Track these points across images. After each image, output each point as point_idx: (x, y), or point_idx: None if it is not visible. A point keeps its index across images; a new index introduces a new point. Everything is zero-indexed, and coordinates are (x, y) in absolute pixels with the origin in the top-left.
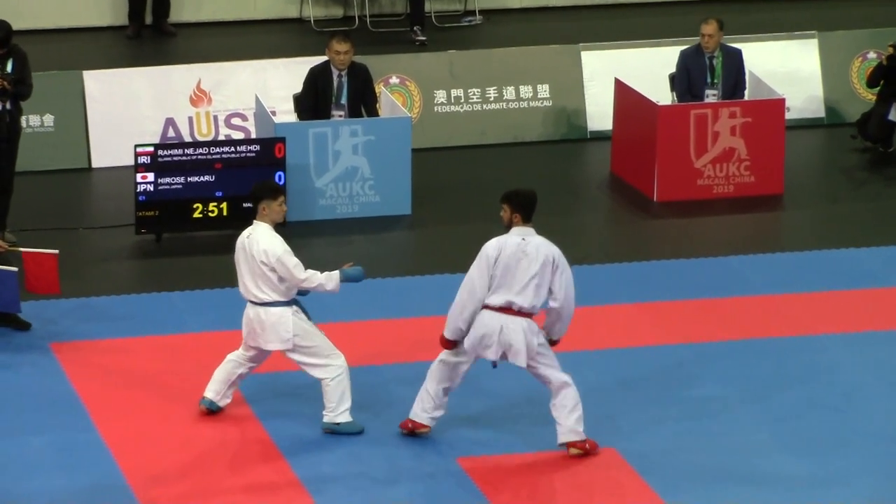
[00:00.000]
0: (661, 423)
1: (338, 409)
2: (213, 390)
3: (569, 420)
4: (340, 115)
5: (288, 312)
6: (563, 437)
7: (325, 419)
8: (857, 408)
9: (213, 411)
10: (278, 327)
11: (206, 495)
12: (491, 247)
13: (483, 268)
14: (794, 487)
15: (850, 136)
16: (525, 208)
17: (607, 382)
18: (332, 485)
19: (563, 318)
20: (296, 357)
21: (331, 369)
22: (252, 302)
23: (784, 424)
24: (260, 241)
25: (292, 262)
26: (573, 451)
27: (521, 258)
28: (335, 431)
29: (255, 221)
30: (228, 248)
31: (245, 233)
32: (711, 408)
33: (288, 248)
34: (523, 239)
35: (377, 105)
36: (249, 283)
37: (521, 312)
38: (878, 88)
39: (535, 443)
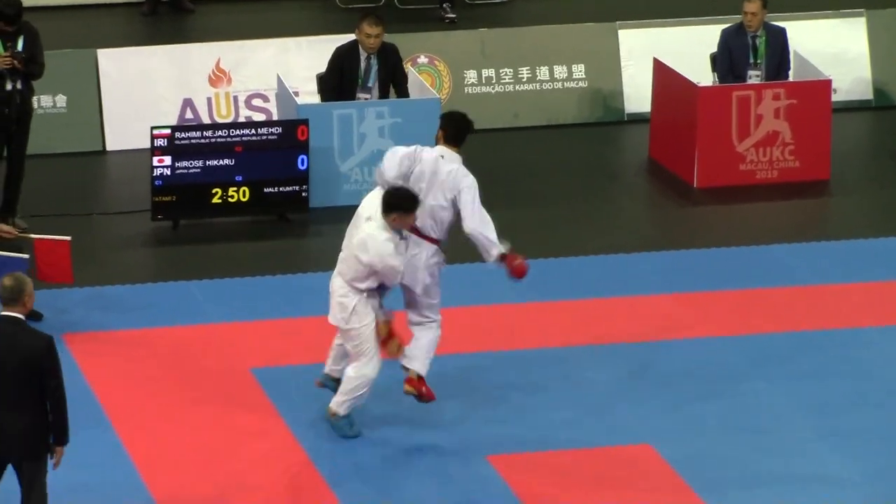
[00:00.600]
0: (700, 419)
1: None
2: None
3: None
4: (366, 98)
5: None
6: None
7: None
8: None
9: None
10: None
11: (225, 496)
12: (412, 148)
13: (394, 156)
14: (838, 487)
15: None
16: (450, 128)
17: (645, 377)
18: (357, 484)
19: (480, 241)
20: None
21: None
22: None
23: (829, 421)
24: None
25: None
26: (407, 387)
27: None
28: (331, 422)
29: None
30: (248, 234)
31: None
32: (753, 403)
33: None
34: (442, 157)
35: (407, 85)
36: None
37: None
38: None
39: (568, 440)
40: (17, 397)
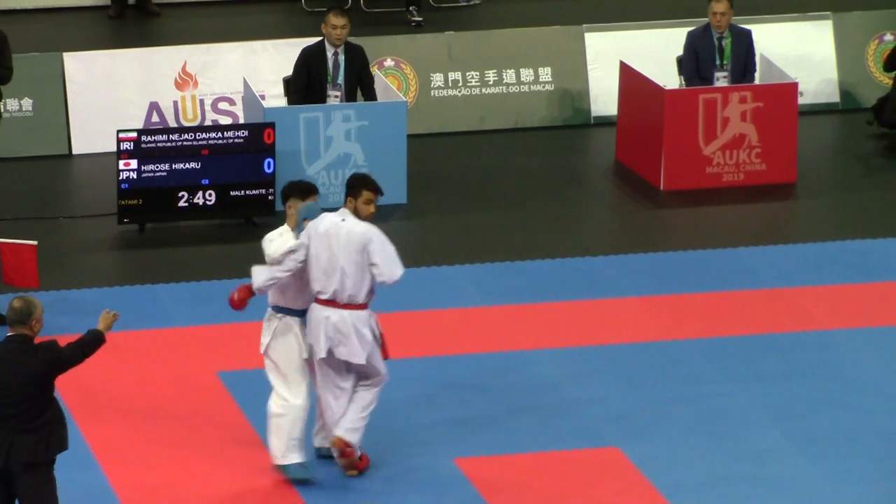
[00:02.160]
0: (667, 421)
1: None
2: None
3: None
4: (337, 96)
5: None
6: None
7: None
8: (871, 406)
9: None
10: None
11: (190, 498)
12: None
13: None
14: (805, 488)
15: (865, 122)
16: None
17: (611, 380)
18: (324, 487)
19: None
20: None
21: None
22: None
23: (795, 423)
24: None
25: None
26: (342, 459)
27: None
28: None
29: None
30: (215, 238)
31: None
32: (720, 406)
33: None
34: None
35: (374, 88)
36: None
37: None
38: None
39: (535, 443)
40: (20, 414)
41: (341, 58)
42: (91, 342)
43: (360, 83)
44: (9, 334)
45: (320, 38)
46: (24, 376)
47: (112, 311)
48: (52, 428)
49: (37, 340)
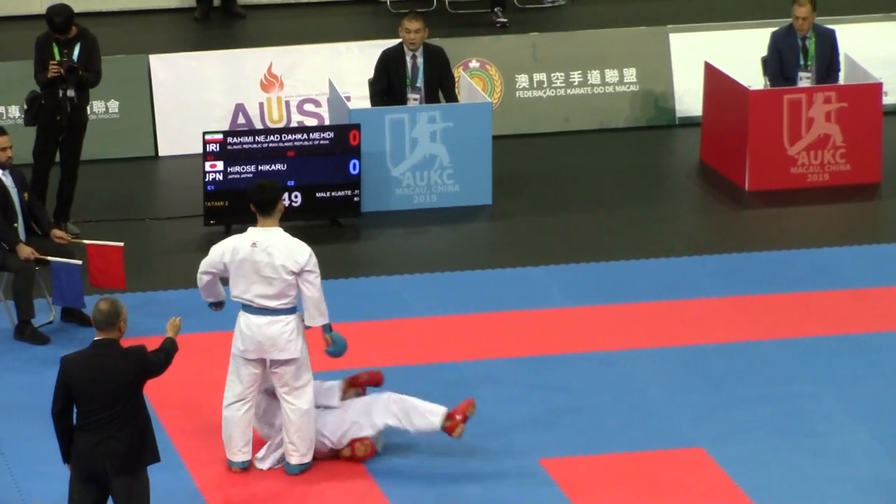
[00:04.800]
0: (753, 422)
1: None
2: None
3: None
4: (416, 99)
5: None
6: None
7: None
8: None
9: None
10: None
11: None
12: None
13: None
14: (892, 488)
15: None
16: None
17: (696, 380)
18: (410, 487)
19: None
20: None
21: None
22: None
23: (881, 423)
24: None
25: None
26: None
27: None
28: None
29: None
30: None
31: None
32: (806, 406)
33: None
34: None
35: (456, 89)
36: None
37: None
38: None
39: (621, 443)
40: (113, 420)
41: (420, 60)
42: (171, 350)
43: (441, 85)
44: (96, 338)
45: (400, 41)
46: (114, 381)
47: (177, 317)
48: (145, 437)
49: (124, 344)
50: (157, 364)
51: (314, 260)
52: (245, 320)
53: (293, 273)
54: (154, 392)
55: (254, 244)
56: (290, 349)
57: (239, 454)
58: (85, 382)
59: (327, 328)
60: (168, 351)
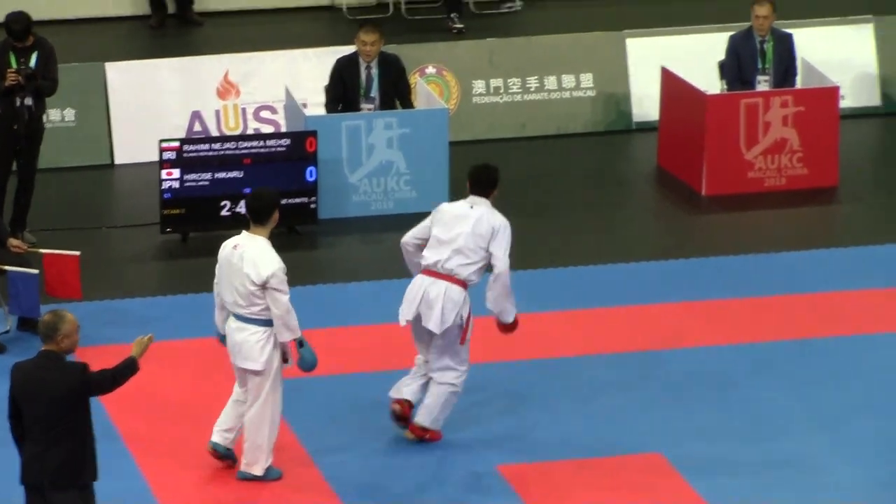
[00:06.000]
0: (710, 427)
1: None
2: None
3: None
4: (370, 109)
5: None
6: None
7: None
8: None
9: None
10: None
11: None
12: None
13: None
14: (848, 495)
15: None
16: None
17: (654, 385)
18: (364, 494)
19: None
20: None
21: None
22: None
23: (839, 428)
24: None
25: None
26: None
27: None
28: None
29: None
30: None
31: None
32: (763, 411)
33: None
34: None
35: (412, 96)
36: None
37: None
38: None
39: (578, 449)
40: (48, 432)
41: (374, 71)
42: (124, 371)
43: (396, 94)
44: (41, 349)
45: (355, 49)
46: (49, 394)
47: (147, 335)
48: (83, 454)
49: (82, 353)
50: (97, 383)
51: (280, 276)
52: (228, 321)
53: (255, 284)
54: (111, 401)
55: (235, 247)
56: (252, 360)
57: (214, 434)
58: (26, 392)
59: (298, 343)
60: (120, 371)
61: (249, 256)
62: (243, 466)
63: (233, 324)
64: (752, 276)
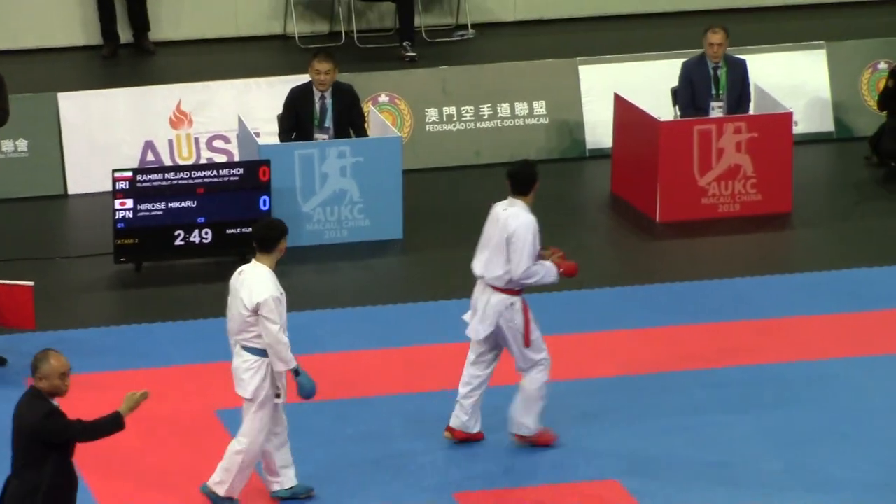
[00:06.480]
0: (666, 453)
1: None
2: None
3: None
4: (324, 139)
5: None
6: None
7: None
8: (868, 435)
9: None
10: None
11: None
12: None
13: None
14: None
15: (864, 158)
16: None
17: (609, 412)
18: None
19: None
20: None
21: None
22: None
23: (796, 453)
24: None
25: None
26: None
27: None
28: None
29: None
30: (212, 276)
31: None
32: (719, 437)
33: None
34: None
35: (366, 124)
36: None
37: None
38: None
39: (535, 476)
40: (14, 460)
41: (329, 101)
42: (105, 425)
43: (350, 123)
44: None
45: (310, 80)
46: (17, 425)
47: (140, 391)
48: (34, 493)
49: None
50: (59, 430)
51: (271, 305)
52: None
53: (248, 310)
54: None
55: (240, 273)
56: (241, 387)
57: (269, 485)
58: (12, 417)
59: (294, 372)
60: (99, 425)
61: (247, 283)
62: (210, 481)
63: (233, 347)
64: (707, 302)
